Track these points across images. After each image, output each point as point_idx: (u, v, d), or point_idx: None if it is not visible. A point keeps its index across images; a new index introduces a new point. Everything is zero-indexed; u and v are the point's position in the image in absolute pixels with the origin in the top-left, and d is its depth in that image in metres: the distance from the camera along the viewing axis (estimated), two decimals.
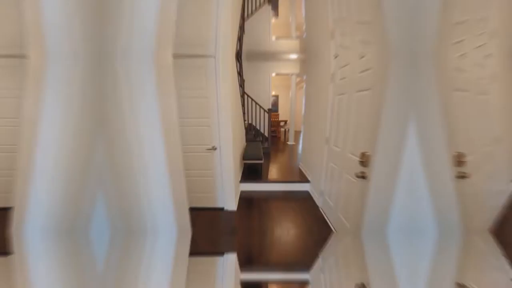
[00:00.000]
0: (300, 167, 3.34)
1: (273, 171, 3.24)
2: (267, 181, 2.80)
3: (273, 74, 5.38)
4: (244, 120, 4.03)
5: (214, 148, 2.04)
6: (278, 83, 8.70)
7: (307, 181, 2.79)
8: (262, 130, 5.28)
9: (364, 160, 1.24)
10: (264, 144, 4.45)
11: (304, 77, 6.07)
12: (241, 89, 3.66)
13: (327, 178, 2.06)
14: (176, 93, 1.23)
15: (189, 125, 2.02)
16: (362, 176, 1.22)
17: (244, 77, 4.36)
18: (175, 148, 1.07)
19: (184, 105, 1.95)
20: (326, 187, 2.09)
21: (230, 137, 2.03)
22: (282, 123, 7.65)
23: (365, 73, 1.31)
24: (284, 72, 5.14)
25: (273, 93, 8.97)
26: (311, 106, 2.76)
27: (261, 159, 2.83)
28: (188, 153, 2.09)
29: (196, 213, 2.13)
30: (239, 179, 2.78)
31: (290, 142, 5.70)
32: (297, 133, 8.21)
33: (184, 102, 1.95)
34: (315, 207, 2.33)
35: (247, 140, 4.35)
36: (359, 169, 1.23)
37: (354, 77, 1.46)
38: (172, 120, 1.04)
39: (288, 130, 7.70)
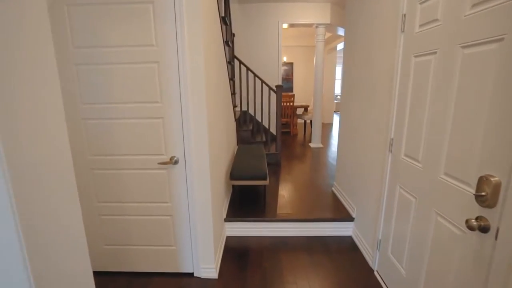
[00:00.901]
0: (335, 192, 3.04)
1: (286, 199, 2.93)
2: (275, 218, 2.49)
3: (285, 25, 5.08)
4: (234, 107, 3.73)
5: (174, 162, 1.73)
6: (293, 42, 8.43)
7: (348, 218, 2.48)
8: (266, 123, 4.98)
9: (487, 194, 0.98)
10: (269, 148, 4.15)
11: (338, 32, 5.79)
12: (228, 52, 3.35)
13: (391, 216, 1.75)
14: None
15: (117, 118, 1.70)
16: (482, 227, 1.02)
17: (234, 31, 4.05)
18: (58, 164, 0.80)
19: (105, 76, 1.64)
20: (388, 233, 1.78)
21: (205, 140, 1.72)
22: (300, 111, 7.36)
23: (485, 8, 1.01)
24: (303, 21, 4.84)
25: (285, 59, 8.71)
26: (357, 82, 2.45)
27: (264, 178, 2.52)
28: (116, 171, 1.78)
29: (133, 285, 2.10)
30: (224, 215, 2.47)
31: (315, 143, 5.40)
32: (326, 128, 7.95)
33: (104, 70, 1.63)
34: (366, 269, 2.03)
35: (240, 141, 4.04)
36: (474, 210, 1.07)
37: (457, 17, 1.15)
38: (47, 111, 0.76)
39: (311, 122, 7.39)
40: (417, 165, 1.47)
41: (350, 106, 2.59)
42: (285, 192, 3.09)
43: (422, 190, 1.42)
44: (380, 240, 1.92)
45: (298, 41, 8.43)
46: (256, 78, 3.94)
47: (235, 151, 3.66)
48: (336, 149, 5.08)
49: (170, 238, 1.91)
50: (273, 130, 5.07)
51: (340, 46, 8.57)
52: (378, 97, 1.97)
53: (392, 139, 1.74)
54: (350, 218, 2.48)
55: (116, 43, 1.59)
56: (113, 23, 1.57)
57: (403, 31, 1.60)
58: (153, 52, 1.60)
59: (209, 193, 1.81)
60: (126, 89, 1.65)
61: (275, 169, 3.95)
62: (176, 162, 1.75)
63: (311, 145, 5.42)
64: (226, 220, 2.46)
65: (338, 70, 10.04)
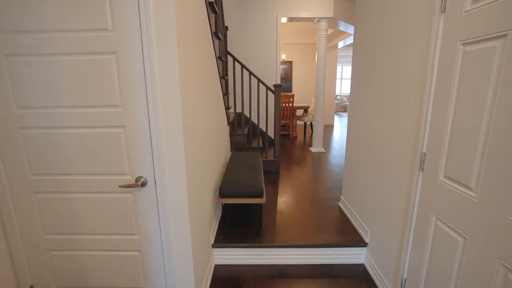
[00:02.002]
0: (342, 208, 2.64)
1: (286, 217, 2.53)
2: (273, 244, 2.09)
3: (284, 20, 4.68)
4: (227, 109, 3.33)
5: (140, 183, 1.32)
6: (292, 39, 8.02)
7: (359, 243, 2.09)
8: (263, 126, 4.57)
9: None
10: (266, 154, 3.75)
11: (340, 27, 5.39)
12: (219, 46, 2.94)
13: (422, 252, 1.36)
14: None
15: (64, 127, 1.30)
16: None
17: (227, 24, 3.64)
18: None
19: (45, 72, 1.24)
20: (418, 273, 1.39)
21: (181, 154, 1.32)
22: (300, 112, 6.96)
23: None
24: (304, 15, 4.44)
25: (284, 57, 8.30)
26: (373, 80, 2.05)
27: (260, 195, 2.11)
28: (66, 195, 1.38)
29: None
30: (211, 239, 2.07)
31: (316, 148, 5.00)
32: (327, 130, 7.55)
33: (43, 63, 1.23)
34: None
35: (234, 146, 3.64)
36: None
37: None
38: None
39: (311, 125, 6.99)
40: (467, 194, 1.07)
41: (362, 110, 2.19)
42: (284, 208, 2.69)
43: (478, 230, 1.02)
44: (405, 280, 1.52)
45: (297, 39, 8.04)
46: (252, 76, 3.54)
47: (228, 158, 3.25)
48: (339, 154, 4.69)
49: (138, 277, 1.50)
50: (271, 133, 4.67)
51: (342, 44, 8.18)
52: (403, 99, 1.57)
53: (425, 154, 1.34)
54: (362, 243, 2.08)
55: (56, 26, 1.18)
56: None
57: (444, 11, 1.20)
58: (109, 39, 1.20)
59: (187, 221, 1.40)
60: (74, 88, 1.24)
61: (273, 178, 3.55)
62: (143, 184, 1.35)
63: (312, 149, 5.02)
64: (214, 246, 2.05)
65: (339, 70, 9.65)
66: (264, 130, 4.66)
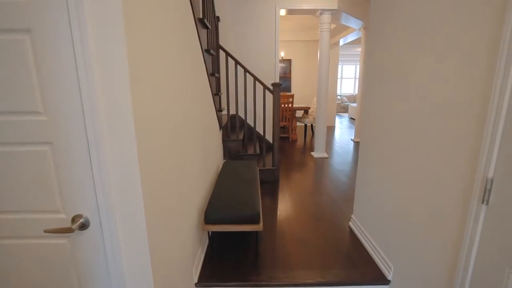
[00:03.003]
0: (354, 229, 2.23)
1: (288, 242, 2.11)
2: (272, 283, 1.67)
3: (282, 12, 4.26)
4: (219, 111, 2.91)
5: (79, 225, 0.90)
6: (291, 36, 7.59)
7: (379, 280, 1.67)
8: (260, 129, 4.15)
9: None
10: (264, 161, 3.33)
11: (342, 21, 4.92)
12: (208, 37, 2.52)
13: None
14: None
15: None
16: None
17: (218, 14, 3.22)
18: None
19: None
20: None
21: (136, 180, 0.90)
22: (300, 113, 6.56)
23: None
24: (305, 6, 4.02)
25: (282, 55, 7.88)
26: (400, 75, 1.64)
27: (255, 220, 1.69)
28: None
29: None
30: (195, 278, 1.65)
31: (318, 153, 4.58)
32: (328, 132, 7.13)
33: None
34: None
35: (228, 153, 3.22)
36: None
37: None
38: None
39: (312, 127, 6.58)
40: None
41: (380, 113, 1.78)
42: (285, 228, 2.27)
43: None
44: None
45: (296, 35, 7.62)
46: (248, 74, 3.12)
47: (220, 168, 2.83)
48: (343, 160, 4.25)
49: None
50: (269, 137, 4.25)
51: (341, 41, 7.78)
52: (447, 101, 1.16)
53: (492, 180, 0.93)
54: (383, 280, 1.67)
55: None
56: None
57: None
58: (17, 9, 0.77)
59: (148, 272, 0.98)
60: None
61: (272, 189, 3.13)
62: (83, 226, 0.92)
63: (314, 154, 4.60)
64: (198, 285, 1.63)
65: (339, 69, 9.24)
66: (262, 134, 4.24)
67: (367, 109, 2.00)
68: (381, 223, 1.78)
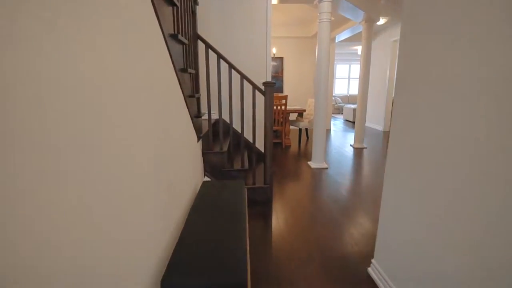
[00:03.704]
0: (375, 278, 1.65)
1: None
2: None
3: (274, 0, 3.68)
4: (197, 117, 2.29)
5: None
6: (283, 32, 7.01)
7: None
8: (249, 135, 3.55)
9: None
10: (254, 177, 2.73)
11: (340, 11, 4.22)
12: (183, 23, 1.90)
13: None
14: None
15: None
16: None
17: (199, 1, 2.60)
18: None
19: None
20: None
21: None
22: (294, 116, 6.01)
23: None
24: None
25: (274, 51, 7.29)
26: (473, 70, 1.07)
27: (241, 286, 1.10)
28: None
29: None
30: None
31: (317, 163, 4.01)
32: (325, 135, 6.57)
33: None
34: None
35: (209, 169, 2.60)
36: None
37: None
38: None
39: (307, 131, 6.01)
40: None
41: (428, 122, 1.21)
42: (283, 278, 1.68)
43: None
44: None
45: (289, 31, 7.06)
46: (234, 71, 2.52)
47: (197, 191, 2.20)
48: (345, 171, 3.63)
49: None
50: (259, 145, 3.65)
51: (336, 38, 7.27)
52: None
53: None
54: None
55: None
56: None
57: None
58: None
59: None
60: None
61: (263, 213, 2.53)
62: None
63: (312, 164, 4.03)
64: None
65: (336, 68, 8.76)
66: (250, 140, 3.64)
67: (402, 113, 1.42)
68: (424, 277, 1.21)
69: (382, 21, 5.94)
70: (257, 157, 3.44)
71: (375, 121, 7.55)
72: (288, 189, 3.15)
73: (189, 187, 1.96)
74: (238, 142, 3.39)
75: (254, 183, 2.72)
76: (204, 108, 2.62)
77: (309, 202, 2.79)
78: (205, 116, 3.11)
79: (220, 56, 2.42)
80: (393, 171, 1.48)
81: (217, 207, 1.73)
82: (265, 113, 2.56)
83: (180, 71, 1.74)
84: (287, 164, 4.20)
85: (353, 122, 8.97)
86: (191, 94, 2.07)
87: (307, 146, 5.45)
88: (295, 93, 7.51)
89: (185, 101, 1.84)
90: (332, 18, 4.93)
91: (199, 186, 2.17)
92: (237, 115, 3.47)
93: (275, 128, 5.03)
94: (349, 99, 12.10)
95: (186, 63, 1.99)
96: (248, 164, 2.91)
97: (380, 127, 7.39)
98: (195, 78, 2.36)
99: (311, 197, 2.91)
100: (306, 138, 6.17)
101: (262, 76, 3.64)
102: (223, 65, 3.12)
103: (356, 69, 12.67)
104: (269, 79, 3.67)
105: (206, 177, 2.63)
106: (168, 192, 1.41)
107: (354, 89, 12.83)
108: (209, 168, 2.61)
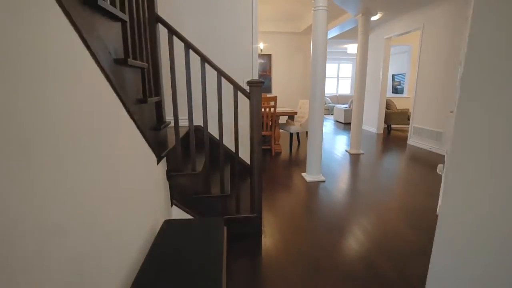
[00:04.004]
0: None
1: None
2: None
3: None
4: (155, 129, 1.66)
5: None
6: (271, 26, 6.39)
7: None
8: (232, 145, 2.90)
9: None
10: (238, 202, 2.12)
11: (338, 2, 3.58)
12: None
13: None
14: None
15: None
16: None
17: None
18: None
19: None
20: None
21: None
22: (284, 119, 5.42)
23: None
24: None
25: (261, 47, 6.67)
26: None
27: None
28: None
29: None
30: None
31: (312, 175, 3.44)
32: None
33: None
34: None
35: (178, 197, 1.96)
36: None
37: None
38: None
39: (298, 135, 5.39)
40: None
41: None
42: None
43: None
44: None
45: (277, 26, 6.47)
46: (208, 65, 1.89)
47: (154, 237, 1.55)
48: (345, 185, 2.98)
49: None
50: (245, 155, 3.03)
51: (328, 35, 6.76)
52: None
53: None
54: None
55: None
56: None
57: None
58: None
59: None
60: None
61: (251, 252, 1.92)
62: None
63: (307, 177, 3.45)
64: None
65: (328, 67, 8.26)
66: (234, 150, 3.01)
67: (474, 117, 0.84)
68: None
69: (376, 16, 5.46)
70: (241, 170, 2.82)
71: (369, 123, 7.09)
72: (281, 212, 2.55)
73: (146, 226, 1.33)
74: (216, 157, 2.75)
75: (238, 212, 2.11)
76: (170, 114, 1.98)
77: (309, 235, 2.20)
78: (172, 125, 2.46)
79: (188, 46, 1.79)
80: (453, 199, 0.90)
81: (180, 266, 1.10)
82: (251, 121, 1.95)
83: (115, 63, 1.10)
84: (278, 176, 3.61)
85: (344, 123, 8.52)
86: (141, 98, 1.43)
87: (299, 152, 4.89)
88: (285, 93, 6.94)
89: (127, 109, 1.20)
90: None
91: (158, 230, 1.53)
92: (215, 121, 2.83)
93: (263, 133, 4.43)
94: (338, 99, 11.70)
95: (134, 52, 1.34)
96: (230, 187, 2.29)
97: (373, 129, 6.94)
98: (153, 75, 1.72)
99: (311, 226, 2.32)
100: (297, 143, 5.61)
101: (247, 74, 3.03)
102: (194, 57, 2.49)
103: (345, 68, 12.29)
104: (256, 77, 3.07)
105: (174, 206, 1.99)
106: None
107: (344, 89, 12.45)
108: (178, 195, 1.97)
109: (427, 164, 4.11)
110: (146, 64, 1.48)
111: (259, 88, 1.90)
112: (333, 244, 2.02)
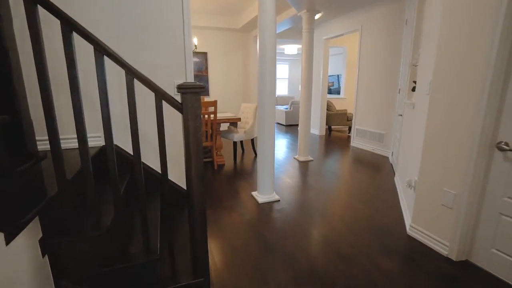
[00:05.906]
0: None
1: None
2: None
3: None
4: (13, 169, 0.88)
5: None
6: (207, 21, 5.65)
7: None
8: (155, 163, 2.17)
9: None
10: (173, 262, 1.45)
11: None
12: None
13: None
14: None
15: None
16: None
17: None
18: None
19: None
20: None
21: None
22: (225, 126, 4.81)
23: None
24: None
25: (196, 43, 5.91)
26: None
27: None
28: None
29: None
30: None
31: (264, 194, 2.91)
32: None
33: None
34: None
35: (74, 277, 1.19)
36: None
37: None
38: None
39: (243, 144, 4.78)
40: None
41: None
42: None
43: None
44: None
45: (213, 21, 5.82)
46: (113, 61, 1.17)
47: None
48: (301, 203, 2.42)
49: None
50: (180, 181, 2.34)
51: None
52: None
53: None
54: None
55: None
56: None
57: None
58: None
59: None
60: None
61: None
62: None
63: (259, 197, 2.91)
64: None
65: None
66: (162, 173, 2.29)
67: None
68: None
69: (317, 16, 5.28)
70: (174, 201, 2.13)
71: (312, 125, 6.99)
72: (232, 250, 1.94)
73: None
74: (135, 193, 2.00)
75: (175, 279, 1.43)
76: (43, 134, 1.18)
77: (274, 286, 1.65)
78: (56, 152, 1.62)
79: (70, 27, 1.05)
80: None
81: None
82: (186, 146, 1.30)
83: None
84: (225, 197, 2.99)
85: (286, 125, 8.36)
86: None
87: (244, 162, 4.35)
88: (224, 96, 6.34)
89: None
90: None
91: None
92: (126, 134, 2.07)
93: (203, 144, 3.76)
94: (277, 100, 11.61)
95: None
96: (160, 242, 1.57)
97: (316, 131, 6.86)
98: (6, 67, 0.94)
99: (277, 271, 1.78)
100: (241, 150, 5.07)
101: (179, 74, 2.34)
102: (83, 44, 1.69)
103: (282, 69, 12.29)
104: (191, 79, 2.40)
105: None
106: None
107: (281, 90, 12.46)
108: (70, 271, 1.20)
109: (374, 167, 4.03)
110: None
111: (196, 95, 1.26)
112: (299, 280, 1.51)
